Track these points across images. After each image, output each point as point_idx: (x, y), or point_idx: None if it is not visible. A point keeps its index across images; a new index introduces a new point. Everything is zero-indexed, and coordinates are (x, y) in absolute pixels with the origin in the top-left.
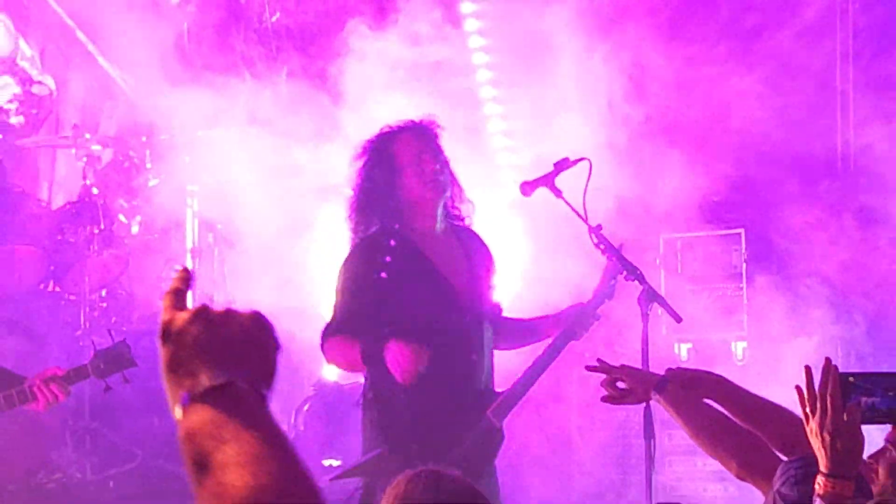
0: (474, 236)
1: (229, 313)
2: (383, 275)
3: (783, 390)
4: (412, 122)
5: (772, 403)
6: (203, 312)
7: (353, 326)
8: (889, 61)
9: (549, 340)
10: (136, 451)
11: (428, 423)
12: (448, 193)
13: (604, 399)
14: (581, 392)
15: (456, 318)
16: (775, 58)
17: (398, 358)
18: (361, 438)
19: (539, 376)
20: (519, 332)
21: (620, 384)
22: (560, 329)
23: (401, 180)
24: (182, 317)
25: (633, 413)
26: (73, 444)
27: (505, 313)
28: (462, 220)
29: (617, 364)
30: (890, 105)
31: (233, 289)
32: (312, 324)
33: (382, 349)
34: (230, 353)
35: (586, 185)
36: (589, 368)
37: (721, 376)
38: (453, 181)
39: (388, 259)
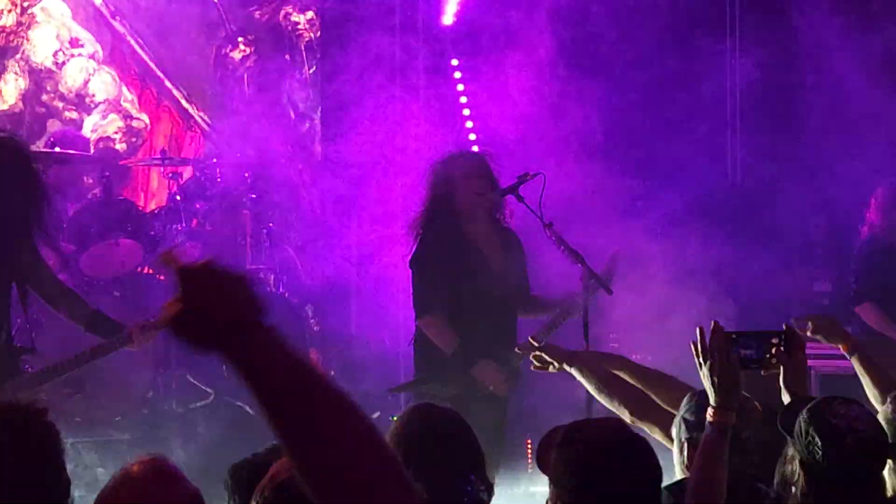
0: (512, 235)
1: (188, 277)
2: (446, 258)
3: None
4: (466, 151)
5: (659, 372)
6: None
7: (434, 301)
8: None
9: (556, 311)
10: (209, 390)
11: (461, 361)
12: (489, 204)
13: (533, 367)
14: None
15: (489, 291)
16: (685, 109)
17: (489, 377)
18: (413, 365)
19: (548, 335)
20: (536, 305)
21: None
22: (562, 306)
23: (456, 192)
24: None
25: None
26: (163, 386)
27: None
28: (504, 222)
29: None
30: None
31: (280, 271)
32: (341, 298)
33: (469, 358)
34: (215, 303)
35: (542, 193)
36: (520, 347)
37: (623, 356)
38: (497, 195)
39: (449, 247)
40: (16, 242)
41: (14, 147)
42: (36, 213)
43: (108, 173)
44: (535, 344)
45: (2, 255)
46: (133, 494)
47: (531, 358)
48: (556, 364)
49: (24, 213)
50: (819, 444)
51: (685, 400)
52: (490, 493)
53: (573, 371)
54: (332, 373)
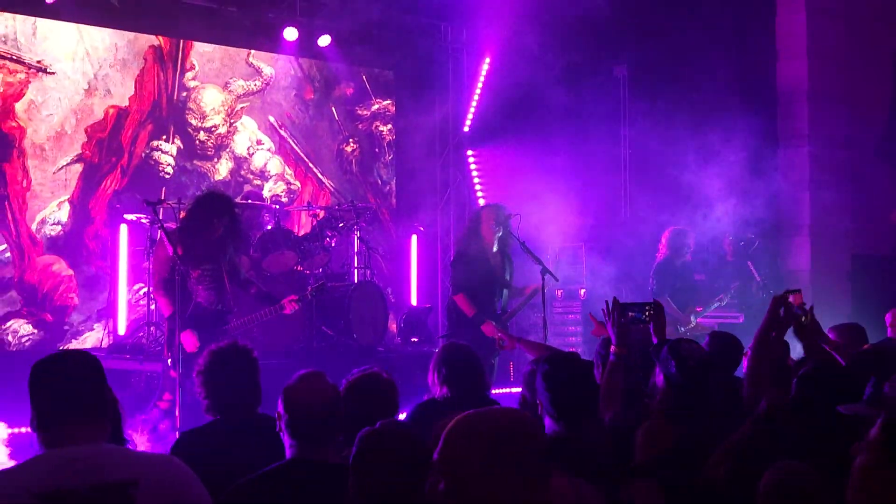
0: (508, 255)
1: None
2: (471, 263)
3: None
4: (494, 204)
5: (544, 345)
6: None
7: (464, 286)
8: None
9: (522, 299)
10: (331, 333)
11: (477, 321)
12: (500, 235)
13: (498, 346)
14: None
15: (493, 285)
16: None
17: (490, 331)
18: (446, 321)
19: (520, 309)
20: (514, 292)
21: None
22: (528, 292)
23: (481, 228)
24: None
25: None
26: (307, 332)
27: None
28: (507, 247)
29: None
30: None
31: (373, 269)
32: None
33: (481, 319)
34: None
35: (518, 224)
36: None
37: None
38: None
39: (474, 257)
40: (224, 255)
41: (226, 199)
42: (235, 236)
43: (277, 215)
44: (501, 335)
45: (218, 261)
46: (310, 382)
47: (498, 344)
48: (511, 344)
49: (229, 237)
50: (674, 364)
51: (599, 344)
52: (488, 389)
53: (521, 346)
54: (401, 325)
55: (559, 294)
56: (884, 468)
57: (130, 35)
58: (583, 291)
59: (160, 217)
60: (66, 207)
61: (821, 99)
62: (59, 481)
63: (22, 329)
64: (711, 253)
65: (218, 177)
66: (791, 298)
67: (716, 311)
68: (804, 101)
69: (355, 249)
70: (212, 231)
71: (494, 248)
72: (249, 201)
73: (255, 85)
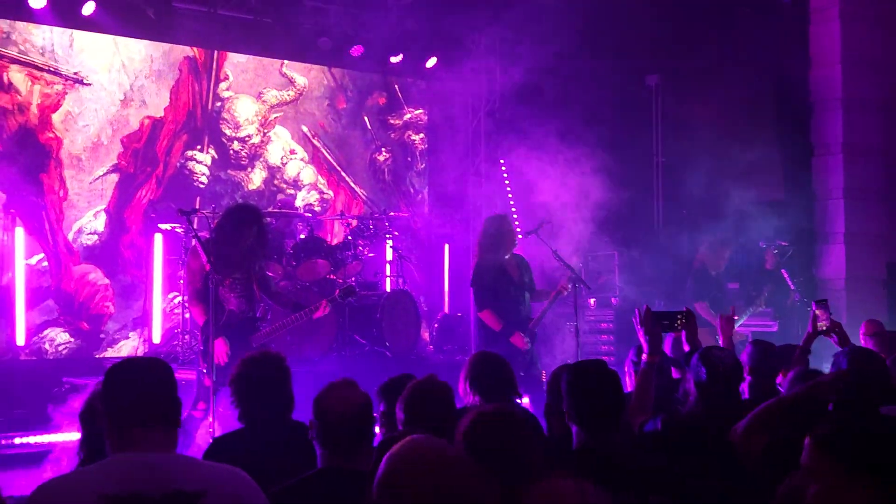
0: (522, 259)
1: None
2: (491, 277)
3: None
4: (504, 214)
5: None
6: None
7: (489, 299)
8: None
9: (551, 298)
10: (364, 342)
11: (505, 334)
12: (516, 245)
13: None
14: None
15: (513, 290)
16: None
17: (520, 342)
18: (476, 336)
19: (546, 313)
20: (538, 296)
21: None
22: (553, 294)
23: (503, 239)
24: None
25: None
26: (339, 340)
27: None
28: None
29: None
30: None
31: (405, 277)
32: (438, 291)
33: (510, 332)
34: None
35: (549, 231)
36: None
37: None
38: (524, 235)
39: (493, 271)
40: (254, 263)
41: (254, 210)
42: (263, 247)
43: (310, 224)
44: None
45: (248, 271)
46: (341, 390)
47: None
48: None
49: (257, 247)
50: (704, 370)
51: (632, 351)
52: (520, 397)
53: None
54: (434, 333)
55: (592, 303)
56: (812, 484)
57: (165, 46)
58: (615, 300)
59: (195, 226)
60: (102, 217)
61: (855, 106)
62: (133, 486)
63: (59, 337)
64: (745, 262)
65: (252, 186)
66: (817, 310)
67: (750, 319)
68: (838, 109)
69: (388, 258)
70: (241, 241)
71: (510, 254)
72: (282, 210)
73: (289, 95)
